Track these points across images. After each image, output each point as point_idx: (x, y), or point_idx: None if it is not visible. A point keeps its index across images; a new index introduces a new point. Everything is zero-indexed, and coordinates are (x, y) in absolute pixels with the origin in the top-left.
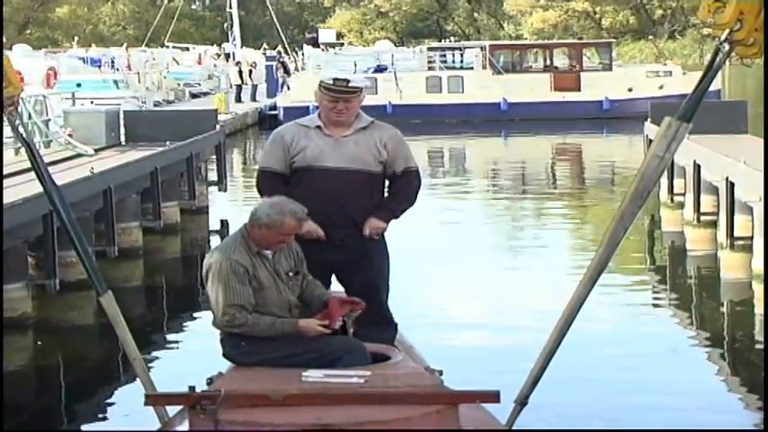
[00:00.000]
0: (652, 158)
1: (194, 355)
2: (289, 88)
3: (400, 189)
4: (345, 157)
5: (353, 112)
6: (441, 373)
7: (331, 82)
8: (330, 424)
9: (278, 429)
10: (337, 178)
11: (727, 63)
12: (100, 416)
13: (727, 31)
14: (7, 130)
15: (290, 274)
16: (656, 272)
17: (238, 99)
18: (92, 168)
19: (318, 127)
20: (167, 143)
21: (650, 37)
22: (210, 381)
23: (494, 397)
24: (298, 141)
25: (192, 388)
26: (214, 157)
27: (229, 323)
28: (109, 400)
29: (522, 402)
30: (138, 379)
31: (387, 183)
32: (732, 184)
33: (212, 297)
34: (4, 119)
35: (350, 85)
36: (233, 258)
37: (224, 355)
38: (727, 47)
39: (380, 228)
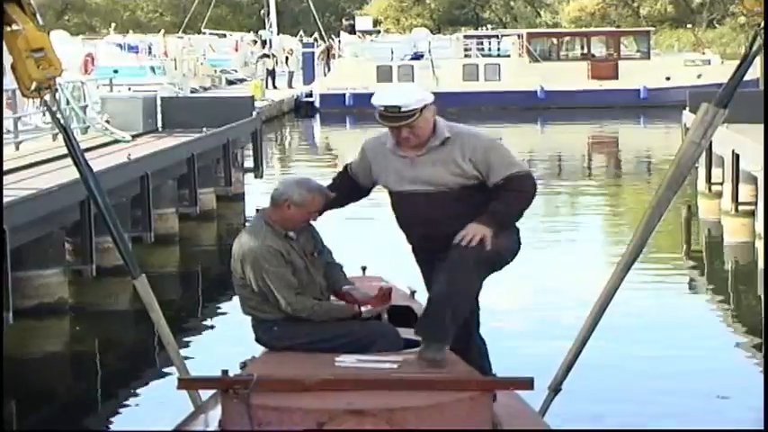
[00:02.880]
0: (689, 145)
1: (228, 339)
2: (328, 69)
3: (510, 195)
4: (423, 180)
5: (424, 132)
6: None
7: (382, 109)
8: (362, 410)
9: (310, 414)
10: (421, 203)
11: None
12: (135, 400)
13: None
14: (36, 118)
15: (315, 254)
16: (692, 261)
17: (272, 86)
18: (129, 155)
19: (391, 148)
20: (204, 130)
21: (689, 25)
22: (244, 365)
23: (528, 384)
24: (378, 162)
25: (225, 372)
26: (250, 143)
27: (295, 309)
28: (144, 385)
29: (555, 389)
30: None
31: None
32: None
33: (260, 286)
34: (42, 103)
35: (403, 110)
36: (267, 244)
37: (256, 339)
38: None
39: (479, 232)
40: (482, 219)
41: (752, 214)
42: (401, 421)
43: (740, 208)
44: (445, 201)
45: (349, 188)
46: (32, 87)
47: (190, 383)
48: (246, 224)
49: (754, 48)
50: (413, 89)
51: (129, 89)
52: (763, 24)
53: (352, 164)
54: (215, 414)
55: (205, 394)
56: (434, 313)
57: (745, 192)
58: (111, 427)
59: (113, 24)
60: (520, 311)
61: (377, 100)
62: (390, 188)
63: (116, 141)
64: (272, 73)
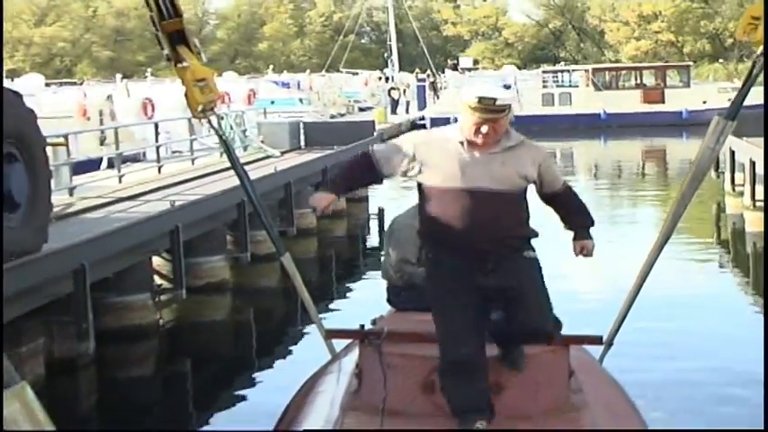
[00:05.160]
0: (705, 150)
1: (357, 305)
2: (438, 99)
3: (577, 204)
4: (490, 178)
5: (502, 129)
6: None
7: (476, 101)
8: None
9: (428, 360)
10: (481, 200)
11: None
12: (283, 354)
13: (761, 47)
14: (208, 139)
15: None
16: (721, 246)
17: (393, 112)
18: (275, 167)
19: (461, 142)
20: (334, 147)
21: (721, 60)
22: (374, 321)
23: (598, 340)
24: (431, 155)
25: (361, 326)
26: None
27: None
28: (290, 343)
29: (609, 343)
30: (311, 324)
31: (544, 199)
32: None
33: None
34: (208, 122)
35: (497, 103)
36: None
37: (387, 300)
38: (762, 59)
39: (593, 246)
40: (586, 234)
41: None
42: (500, 367)
43: (757, 204)
44: (506, 202)
45: (368, 172)
46: (199, 109)
47: (334, 334)
48: (369, 220)
49: (754, 72)
50: (502, 87)
51: (279, 116)
52: (761, 50)
53: (380, 151)
54: (349, 359)
55: (339, 346)
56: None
57: (761, 191)
58: (266, 375)
59: (271, 66)
60: (583, 279)
61: (471, 92)
62: (445, 182)
63: (268, 157)
64: (396, 102)
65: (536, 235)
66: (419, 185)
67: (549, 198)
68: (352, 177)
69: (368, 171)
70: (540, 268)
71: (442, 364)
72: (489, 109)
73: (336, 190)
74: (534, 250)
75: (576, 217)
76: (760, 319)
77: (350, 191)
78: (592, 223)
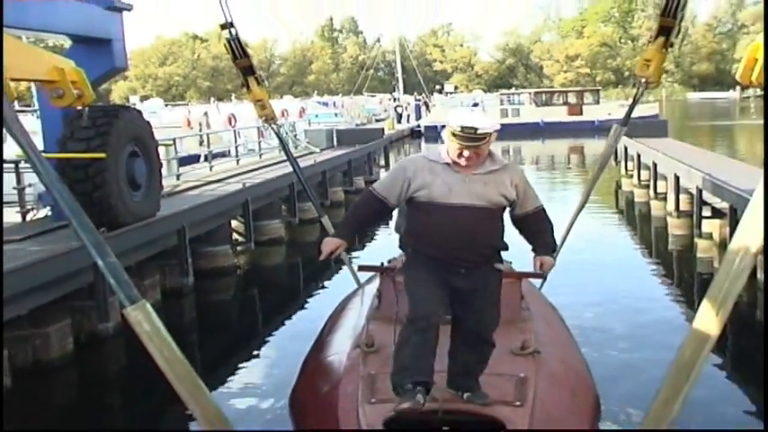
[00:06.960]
0: (607, 146)
1: (377, 252)
2: (429, 113)
3: (545, 225)
4: (473, 195)
5: (484, 154)
6: (511, 263)
7: (459, 129)
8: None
9: None
10: (464, 215)
11: (665, 100)
12: (323, 286)
13: (643, 78)
14: (273, 141)
15: None
16: (617, 212)
17: (398, 122)
18: (314, 159)
19: (447, 164)
20: (356, 146)
21: (620, 86)
22: (390, 261)
23: (541, 275)
24: (423, 176)
25: (382, 263)
26: (382, 152)
27: None
28: (328, 279)
29: (545, 277)
30: (343, 264)
31: (516, 219)
32: (656, 164)
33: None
34: (269, 126)
35: (478, 132)
36: None
37: (399, 246)
38: (644, 85)
39: (552, 264)
40: (547, 251)
41: (648, 186)
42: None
43: (642, 183)
44: (484, 215)
45: (378, 208)
46: (262, 120)
47: (364, 267)
48: None
49: (637, 96)
50: (485, 116)
51: (319, 124)
52: (643, 80)
53: (379, 186)
54: (371, 286)
55: (363, 278)
56: (471, 372)
57: (645, 174)
58: (312, 298)
59: (317, 91)
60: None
61: (455, 120)
62: (434, 200)
63: (312, 153)
64: (400, 115)
65: (506, 248)
66: (410, 199)
67: (521, 218)
68: (365, 216)
69: (378, 207)
70: (501, 279)
71: (400, 338)
72: (470, 137)
73: (346, 233)
74: (502, 262)
75: (542, 237)
76: (641, 258)
77: (360, 230)
78: (555, 245)
